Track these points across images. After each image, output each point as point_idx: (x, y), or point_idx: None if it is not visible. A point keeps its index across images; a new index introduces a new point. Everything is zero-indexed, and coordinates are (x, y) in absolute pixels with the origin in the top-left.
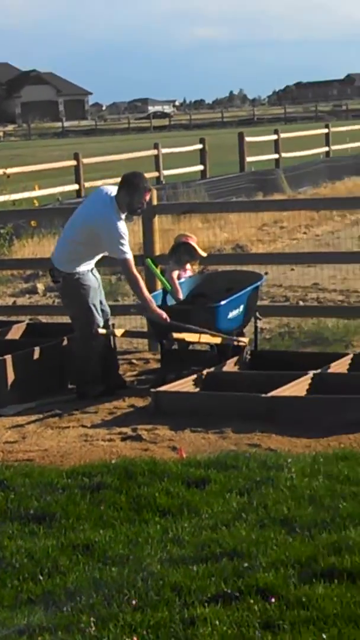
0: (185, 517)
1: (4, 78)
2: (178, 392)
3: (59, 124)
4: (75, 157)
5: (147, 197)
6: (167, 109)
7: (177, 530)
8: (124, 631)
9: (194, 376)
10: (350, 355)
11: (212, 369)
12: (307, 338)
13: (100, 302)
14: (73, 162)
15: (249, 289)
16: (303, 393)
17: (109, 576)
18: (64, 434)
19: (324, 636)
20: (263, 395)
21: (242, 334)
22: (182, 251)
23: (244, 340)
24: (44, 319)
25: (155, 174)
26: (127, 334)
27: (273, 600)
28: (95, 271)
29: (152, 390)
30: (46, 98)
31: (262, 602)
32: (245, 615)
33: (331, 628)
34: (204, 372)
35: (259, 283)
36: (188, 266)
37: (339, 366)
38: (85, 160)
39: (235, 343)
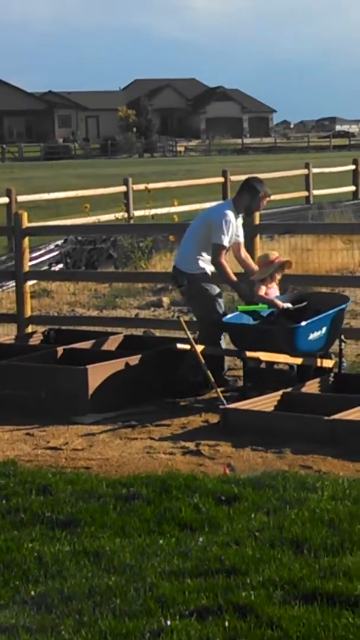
0: (203, 533)
1: (190, 94)
2: (246, 410)
3: (239, 141)
4: (224, 174)
5: (265, 202)
6: (355, 128)
7: (188, 545)
8: (93, 637)
9: (269, 395)
10: None
11: (289, 389)
12: None
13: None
14: (221, 179)
15: (332, 311)
16: None
17: (106, 584)
18: (130, 445)
19: None
20: (325, 417)
21: (328, 356)
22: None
23: (329, 362)
24: (158, 332)
25: (305, 193)
26: (208, 349)
27: (248, 618)
28: None
29: (221, 407)
30: (231, 115)
31: (236, 620)
32: (212, 631)
33: None
34: (281, 391)
35: (343, 306)
36: (274, 285)
37: None
38: (233, 178)
39: (318, 364)
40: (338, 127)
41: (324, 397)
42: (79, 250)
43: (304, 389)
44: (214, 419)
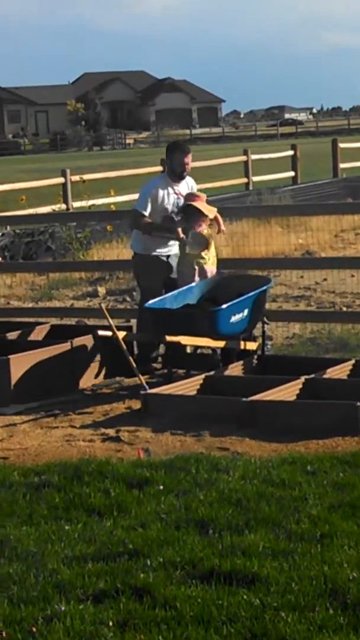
0: (110, 517)
1: (139, 86)
2: (166, 394)
3: (188, 131)
4: (162, 163)
5: (187, 159)
6: (303, 116)
7: (94, 530)
8: None
9: (192, 379)
10: (352, 361)
11: (211, 373)
12: (332, 344)
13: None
14: (159, 168)
15: (253, 293)
16: (292, 398)
17: (7, 572)
18: (50, 433)
19: (170, 635)
20: (244, 399)
21: (252, 339)
22: (187, 214)
23: (252, 344)
24: (91, 322)
25: (244, 180)
26: (130, 336)
27: (144, 599)
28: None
29: (142, 392)
30: (180, 106)
31: (132, 602)
32: (106, 614)
33: (180, 628)
34: (203, 375)
35: (265, 287)
36: (204, 226)
37: (338, 371)
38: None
39: (242, 347)
40: (287, 116)
41: (246, 379)
42: (17, 243)
43: (226, 372)
44: (137, 405)
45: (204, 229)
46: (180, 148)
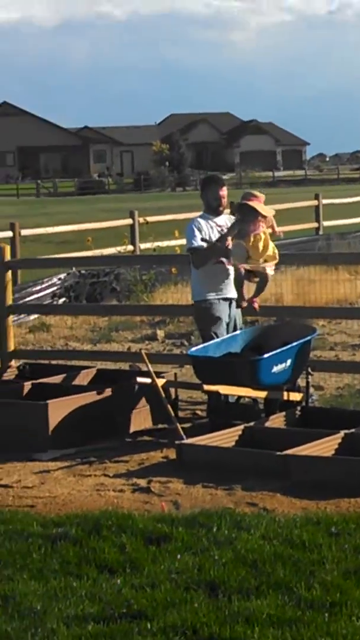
0: (122, 574)
1: (225, 128)
2: (201, 445)
3: (271, 174)
4: (230, 205)
5: (222, 192)
6: None
7: (102, 587)
8: None
9: (230, 429)
10: None
11: (251, 424)
12: None
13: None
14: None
15: (297, 343)
16: (329, 453)
17: (4, 630)
18: (82, 482)
19: None
20: (278, 453)
21: (298, 389)
22: (242, 213)
23: (296, 395)
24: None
25: (315, 224)
26: (169, 383)
27: None
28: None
29: (176, 442)
30: (264, 148)
31: None
32: None
33: None
34: (242, 426)
35: (309, 337)
36: (260, 226)
37: None
38: None
39: (285, 398)
40: None
41: (285, 432)
42: (82, 283)
43: (267, 423)
44: (174, 455)
45: (261, 230)
46: (214, 181)
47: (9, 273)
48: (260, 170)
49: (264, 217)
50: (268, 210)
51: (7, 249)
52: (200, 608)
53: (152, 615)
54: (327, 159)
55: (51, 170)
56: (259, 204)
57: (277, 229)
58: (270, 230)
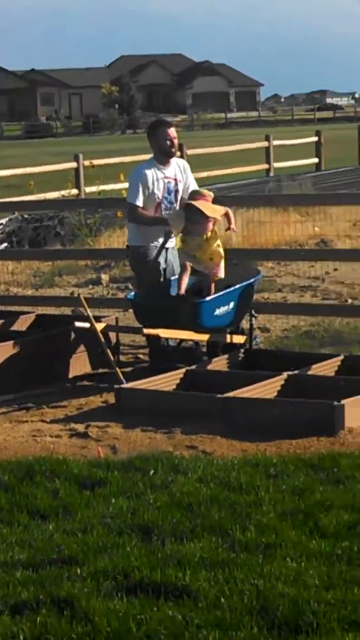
0: (53, 520)
1: (176, 69)
2: (140, 389)
3: (223, 115)
4: (179, 148)
5: (171, 132)
6: (345, 101)
7: (33, 534)
8: None
9: (171, 373)
10: (341, 357)
11: (192, 367)
12: (329, 338)
13: None
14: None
15: (239, 285)
16: (272, 395)
17: None
18: (18, 428)
19: None
20: (218, 395)
21: (241, 332)
22: (187, 213)
23: (239, 338)
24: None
25: (265, 166)
26: (108, 327)
27: (64, 612)
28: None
29: (115, 386)
30: (217, 89)
31: (51, 615)
32: (22, 627)
33: None
34: (184, 369)
35: (252, 280)
36: (208, 226)
37: (324, 368)
38: (189, 152)
39: (228, 341)
40: (329, 100)
41: (227, 374)
42: (25, 228)
43: (209, 366)
44: (113, 399)
45: (209, 230)
46: (161, 124)
47: None
48: (212, 112)
49: (207, 217)
50: (216, 210)
51: None
52: (133, 552)
53: (82, 561)
54: (282, 100)
55: None
56: (206, 204)
57: (233, 225)
58: (227, 225)
